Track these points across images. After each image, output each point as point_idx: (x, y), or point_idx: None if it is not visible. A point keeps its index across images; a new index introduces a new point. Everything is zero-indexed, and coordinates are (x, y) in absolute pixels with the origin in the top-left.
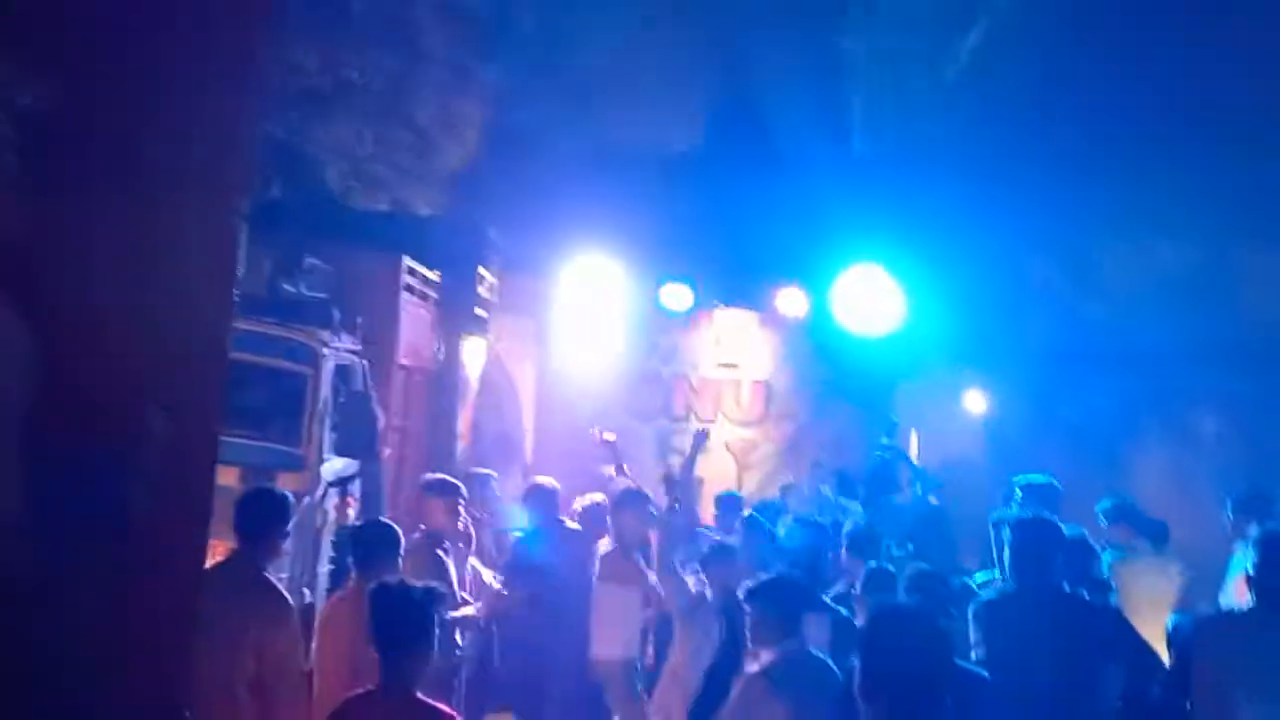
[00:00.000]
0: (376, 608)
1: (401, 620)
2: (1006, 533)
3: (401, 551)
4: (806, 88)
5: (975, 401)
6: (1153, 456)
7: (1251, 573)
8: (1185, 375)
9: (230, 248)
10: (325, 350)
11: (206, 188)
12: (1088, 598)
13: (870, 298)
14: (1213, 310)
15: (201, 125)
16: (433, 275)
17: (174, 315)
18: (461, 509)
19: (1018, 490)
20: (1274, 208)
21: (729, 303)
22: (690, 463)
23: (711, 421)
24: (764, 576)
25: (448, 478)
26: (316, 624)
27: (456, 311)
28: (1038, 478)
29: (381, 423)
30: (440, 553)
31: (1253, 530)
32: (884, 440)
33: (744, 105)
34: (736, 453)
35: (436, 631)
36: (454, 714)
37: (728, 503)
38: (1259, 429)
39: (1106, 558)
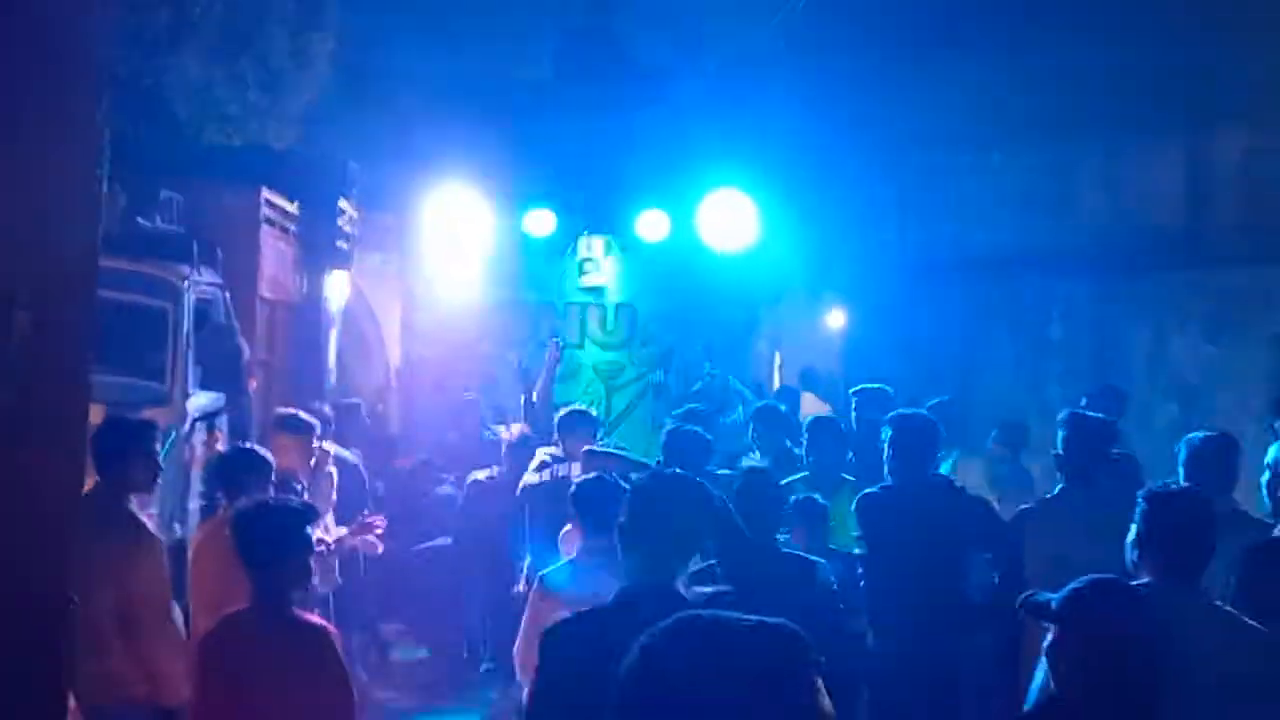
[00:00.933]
0: (240, 527)
1: (266, 536)
2: (887, 430)
3: (273, 478)
4: (660, 12)
5: (835, 319)
6: (1004, 362)
7: (1060, 451)
8: (1031, 281)
9: (91, 170)
10: (185, 284)
11: (62, 108)
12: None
13: (729, 220)
14: (1053, 217)
15: (50, 46)
16: (292, 208)
17: (39, 235)
18: (316, 445)
19: (854, 398)
20: (1110, 118)
21: (592, 229)
22: (547, 384)
23: (557, 340)
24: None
25: (300, 413)
26: (190, 557)
27: (318, 245)
28: (872, 385)
29: (246, 356)
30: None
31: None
32: (707, 366)
33: (600, 30)
34: (604, 376)
35: (307, 547)
36: (327, 626)
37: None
38: (1100, 329)
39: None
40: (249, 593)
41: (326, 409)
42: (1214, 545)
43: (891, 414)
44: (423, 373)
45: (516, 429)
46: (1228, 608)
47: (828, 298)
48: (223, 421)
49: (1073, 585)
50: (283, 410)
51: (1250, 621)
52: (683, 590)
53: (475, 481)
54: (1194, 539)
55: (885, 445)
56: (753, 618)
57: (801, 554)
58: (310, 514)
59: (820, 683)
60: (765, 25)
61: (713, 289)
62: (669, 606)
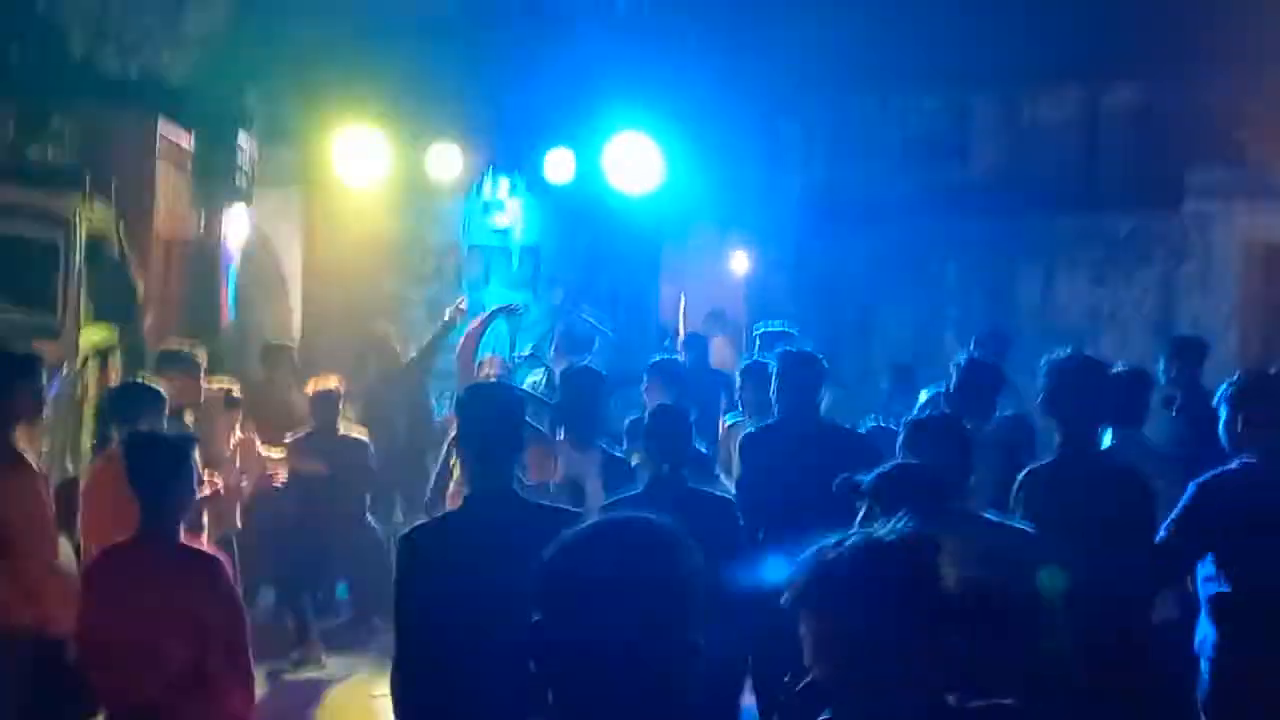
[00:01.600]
0: (130, 456)
1: (154, 464)
2: (774, 365)
3: (166, 410)
4: None
5: (739, 261)
6: (903, 305)
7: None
8: (928, 225)
9: None
10: (76, 217)
11: None
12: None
13: (635, 162)
14: (949, 161)
15: None
16: (188, 140)
17: None
18: (204, 382)
19: (757, 339)
20: (1009, 67)
21: (498, 169)
22: (431, 344)
23: (460, 309)
24: None
25: (180, 348)
26: (81, 492)
27: (215, 179)
28: (776, 324)
29: (140, 293)
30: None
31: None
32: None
33: None
34: (511, 318)
35: (190, 476)
36: (214, 554)
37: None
38: (994, 272)
39: None
40: (137, 522)
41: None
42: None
43: (778, 350)
44: (326, 311)
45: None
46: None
47: (733, 239)
48: (116, 358)
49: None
50: (168, 346)
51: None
52: (520, 492)
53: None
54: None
55: (773, 380)
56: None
57: (711, 491)
58: (192, 443)
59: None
60: None
61: (618, 231)
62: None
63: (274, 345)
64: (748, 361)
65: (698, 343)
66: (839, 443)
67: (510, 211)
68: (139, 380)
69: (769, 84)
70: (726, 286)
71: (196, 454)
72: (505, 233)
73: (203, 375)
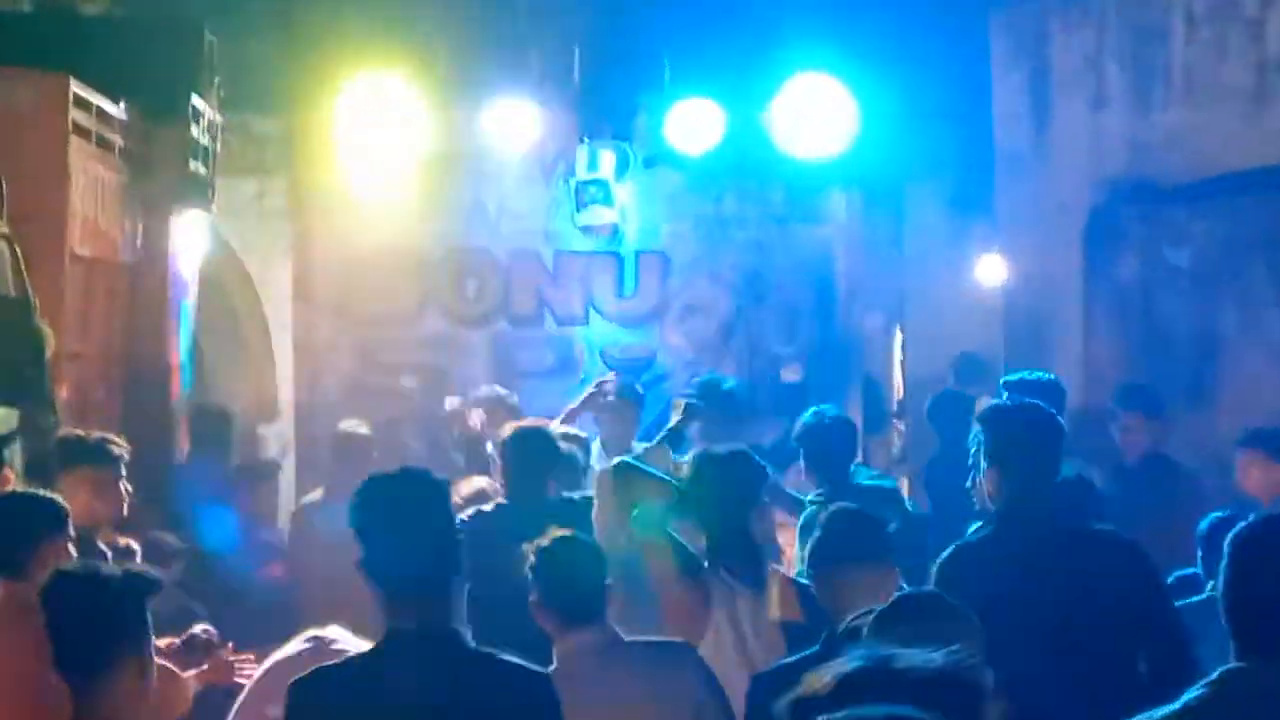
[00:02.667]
0: (55, 609)
1: (93, 624)
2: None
3: (70, 533)
4: None
5: (989, 270)
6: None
7: None
8: None
9: None
10: None
11: None
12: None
13: (819, 115)
14: None
15: None
16: (117, 110)
17: None
18: (124, 487)
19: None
20: None
21: (594, 134)
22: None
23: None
24: None
25: (86, 436)
26: None
27: (159, 168)
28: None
29: (50, 347)
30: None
31: None
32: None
33: None
34: (622, 371)
35: (149, 634)
36: None
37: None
38: None
39: None
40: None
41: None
42: None
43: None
44: (332, 365)
45: None
46: None
47: (977, 236)
48: (14, 451)
49: None
50: (72, 434)
51: None
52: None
53: None
54: None
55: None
56: None
57: None
58: (144, 584)
59: None
60: None
61: (792, 224)
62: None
63: (259, 466)
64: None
65: (952, 406)
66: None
67: (618, 199)
68: (32, 494)
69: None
70: (971, 312)
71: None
72: (611, 233)
73: (119, 477)
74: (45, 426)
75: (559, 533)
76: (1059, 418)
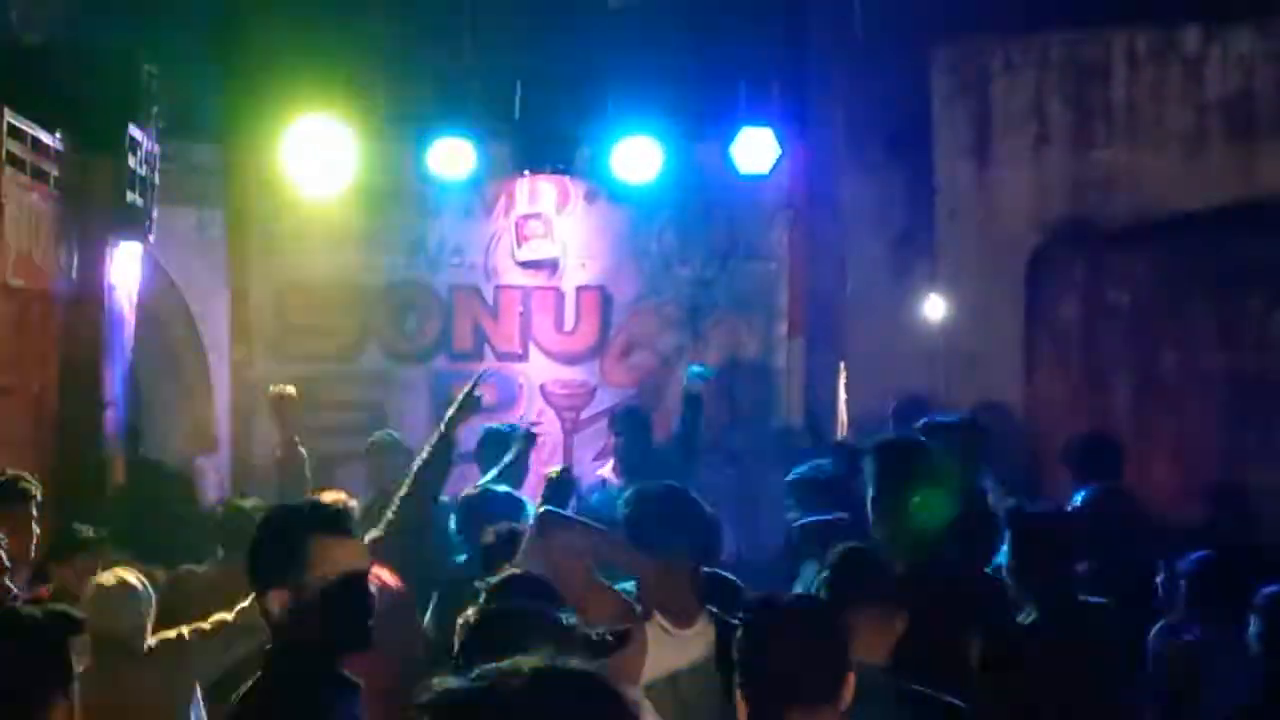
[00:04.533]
0: None
1: (15, 668)
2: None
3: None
4: None
5: (932, 305)
6: None
7: None
8: None
9: None
10: None
11: None
12: None
13: (754, 148)
14: None
15: None
16: (51, 139)
17: None
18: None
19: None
20: None
21: (535, 168)
22: (443, 437)
23: (492, 370)
24: None
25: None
26: None
27: (94, 199)
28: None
29: None
30: None
31: None
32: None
33: None
34: (559, 405)
35: (73, 676)
36: None
37: (556, 488)
38: None
39: None
40: None
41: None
42: None
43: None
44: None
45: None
46: None
47: (920, 274)
48: None
49: None
50: None
51: None
52: None
53: None
54: None
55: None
56: None
57: None
58: (67, 624)
59: None
60: None
61: (734, 261)
62: None
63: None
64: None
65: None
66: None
67: (557, 232)
68: None
69: None
70: (912, 350)
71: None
72: (549, 266)
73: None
74: None
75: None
76: (943, 454)
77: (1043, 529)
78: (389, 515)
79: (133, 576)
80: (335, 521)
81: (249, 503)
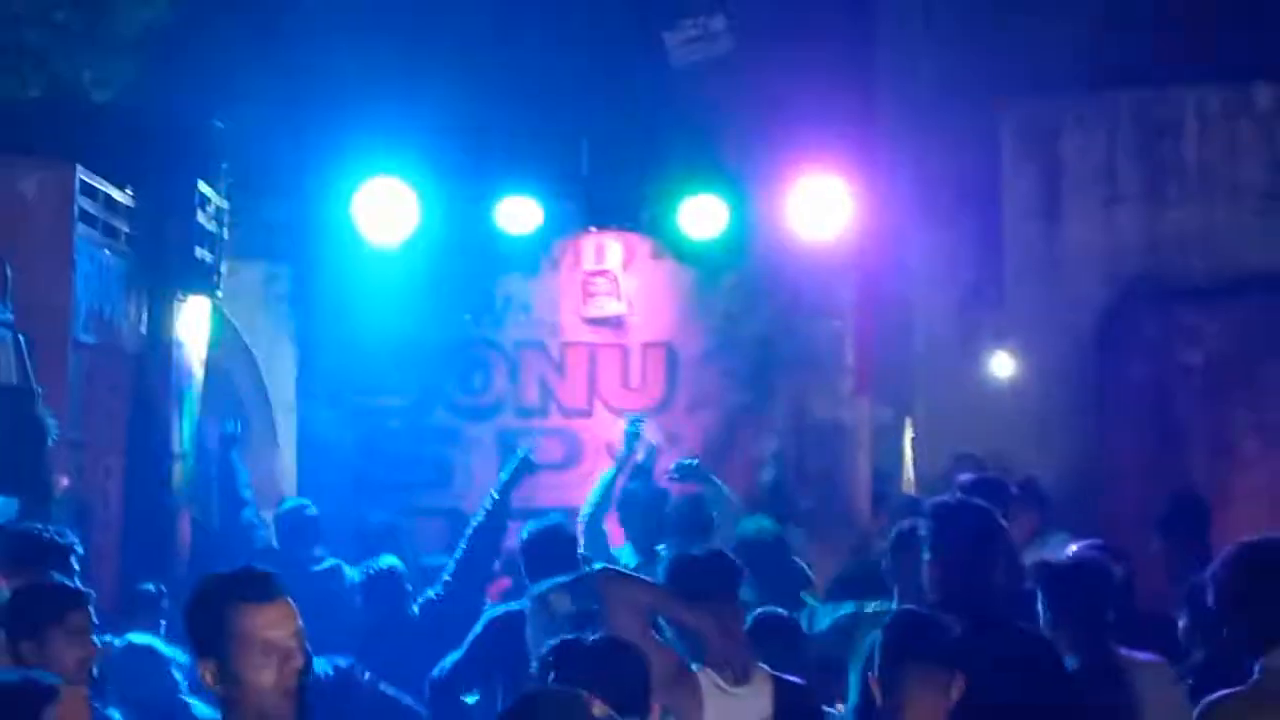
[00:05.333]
0: None
1: None
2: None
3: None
4: None
5: (1002, 363)
6: None
7: None
8: None
9: None
10: None
11: None
12: None
13: (822, 204)
14: None
15: None
16: (122, 197)
17: None
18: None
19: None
20: None
21: (603, 224)
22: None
23: (535, 431)
24: None
25: (40, 530)
26: None
27: (164, 256)
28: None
29: (52, 436)
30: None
31: None
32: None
33: None
34: (623, 459)
35: None
36: None
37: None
38: None
39: None
40: None
41: None
42: None
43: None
44: (334, 459)
45: None
46: None
47: (989, 331)
48: None
49: None
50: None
51: None
52: None
53: None
54: None
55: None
56: None
57: None
58: (43, 691)
59: None
60: None
61: (800, 315)
62: None
63: None
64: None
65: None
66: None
67: (624, 289)
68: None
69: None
70: (981, 407)
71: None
72: (615, 324)
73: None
74: (43, 516)
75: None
76: (997, 516)
77: (1070, 575)
78: (444, 576)
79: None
80: (259, 588)
81: None
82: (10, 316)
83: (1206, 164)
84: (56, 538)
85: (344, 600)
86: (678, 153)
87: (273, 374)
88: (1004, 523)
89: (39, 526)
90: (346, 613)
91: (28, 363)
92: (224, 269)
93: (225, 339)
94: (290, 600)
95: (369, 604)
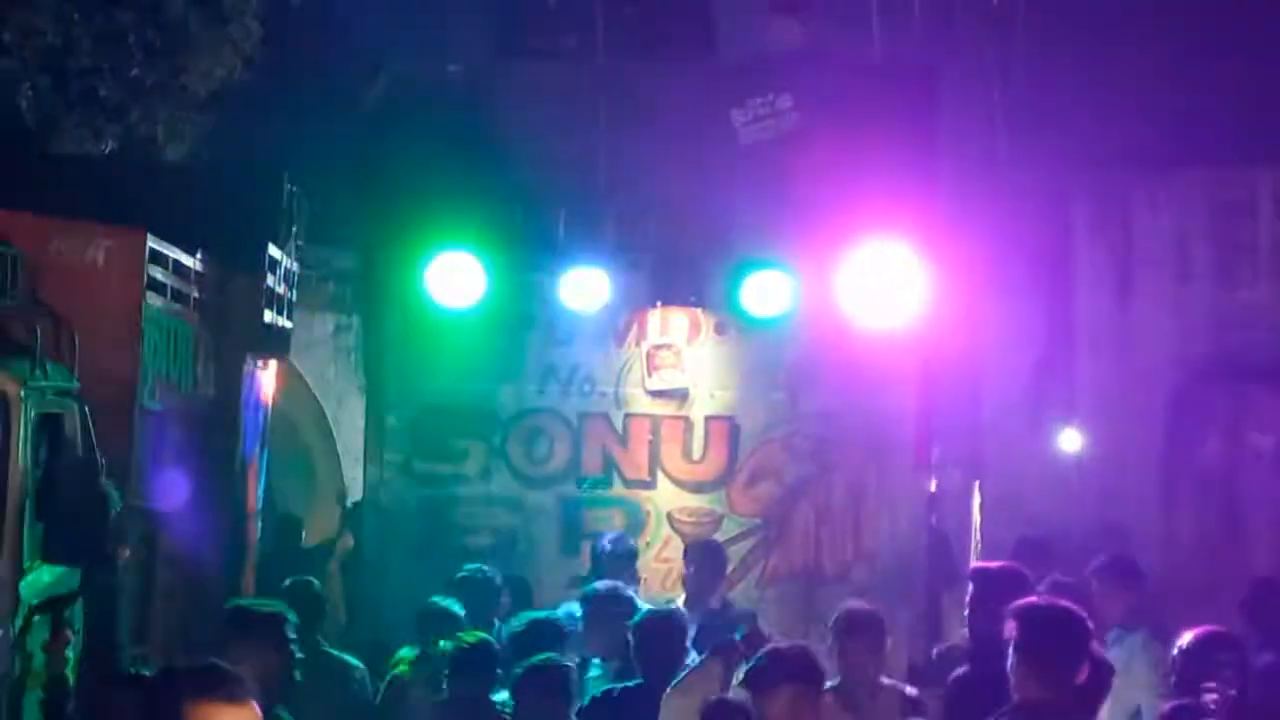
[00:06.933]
0: None
1: None
2: None
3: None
4: None
5: (1069, 439)
6: None
7: None
8: None
9: None
10: (19, 392)
11: None
12: None
13: (887, 282)
14: None
15: None
16: (193, 262)
17: None
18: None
19: None
20: None
21: (667, 299)
22: None
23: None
24: None
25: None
26: None
27: (234, 318)
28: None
29: (116, 507)
30: None
31: None
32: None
33: None
34: (686, 532)
35: None
36: None
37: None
38: None
39: None
40: None
41: None
42: None
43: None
44: (398, 527)
45: None
46: None
47: (1057, 404)
48: (76, 613)
49: None
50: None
51: None
52: None
53: None
54: None
55: None
56: None
57: None
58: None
59: None
60: None
61: (867, 390)
62: None
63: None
64: None
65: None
66: None
67: (687, 362)
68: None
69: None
70: (1048, 479)
71: None
72: (680, 396)
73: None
74: (106, 587)
75: None
76: (1084, 618)
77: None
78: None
79: None
80: (212, 686)
81: None
82: (77, 385)
83: (1278, 244)
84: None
85: None
86: (743, 228)
87: (341, 425)
88: (1089, 623)
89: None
90: None
91: (92, 435)
92: (293, 322)
93: (295, 392)
94: (255, 706)
95: None
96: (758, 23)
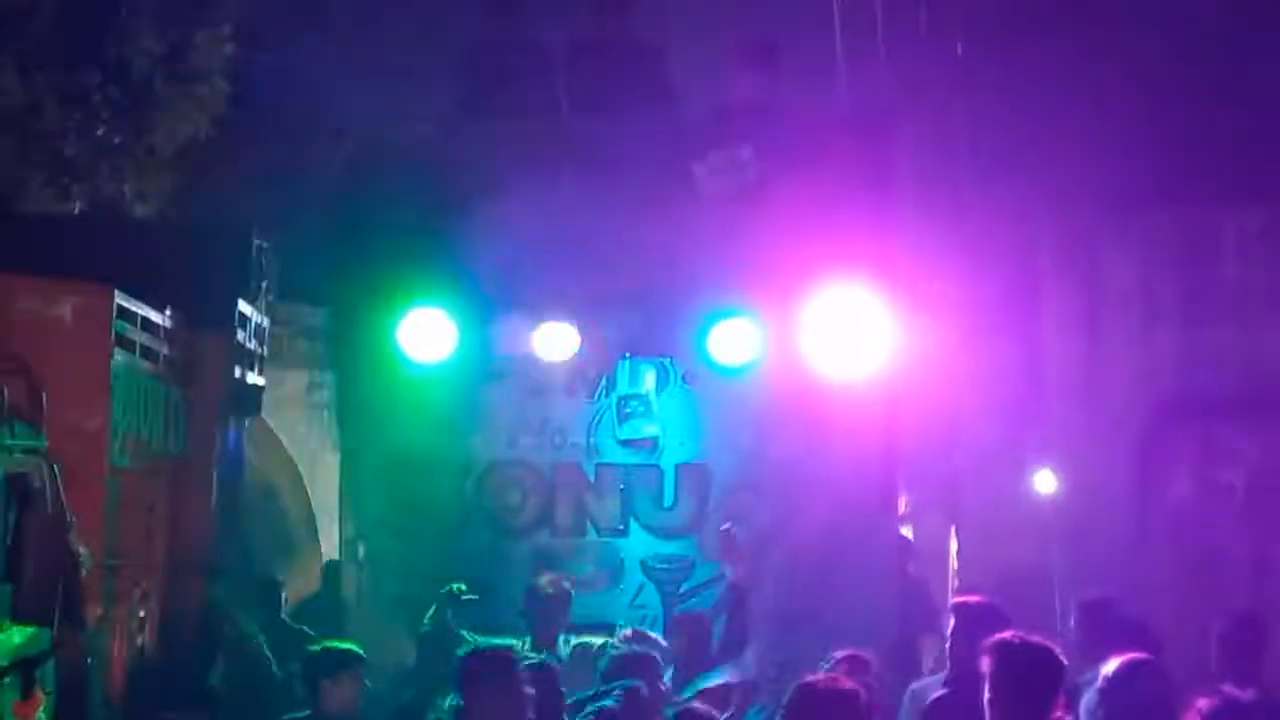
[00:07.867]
0: None
1: None
2: None
3: None
4: None
5: (1044, 481)
6: None
7: None
8: None
9: None
10: None
11: None
12: None
13: (849, 333)
14: None
15: None
16: (162, 318)
17: None
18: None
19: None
20: None
21: (636, 350)
22: None
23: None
24: None
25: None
26: None
27: (204, 375)
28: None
29: (86, 566)
30: None
31: None
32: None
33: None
34: (659, 579)
35: None
36: None
37: None
38: None
39: None
40: None
41: None
42: None
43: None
44: (374, 579)
45: None
46: None
47: (1032, 441)
48: (49, 674)
49: None
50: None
51: None
52: None
53: None
54: None
55: None
56: None
57: None
58: None
59: None
60: None
61: (836, 436)
62: None
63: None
64: None
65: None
66: None
67: (658, 413)
68: None
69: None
70: (1024, 521)
71: None
72: (651, 446)
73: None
74: (77, 648)
75: None
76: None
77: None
78: None
79: None
80: None
81: None
82: (45, 443)
83: (1245, 284)
84: None
85: None
86: (709, 278)
87: (316, 482)
88: (1064, 660)
89: None
90: None
91: (62, 493)
92: (265, 379)
93: (270, 450)
94: None
95: None
96: (720, 75)
